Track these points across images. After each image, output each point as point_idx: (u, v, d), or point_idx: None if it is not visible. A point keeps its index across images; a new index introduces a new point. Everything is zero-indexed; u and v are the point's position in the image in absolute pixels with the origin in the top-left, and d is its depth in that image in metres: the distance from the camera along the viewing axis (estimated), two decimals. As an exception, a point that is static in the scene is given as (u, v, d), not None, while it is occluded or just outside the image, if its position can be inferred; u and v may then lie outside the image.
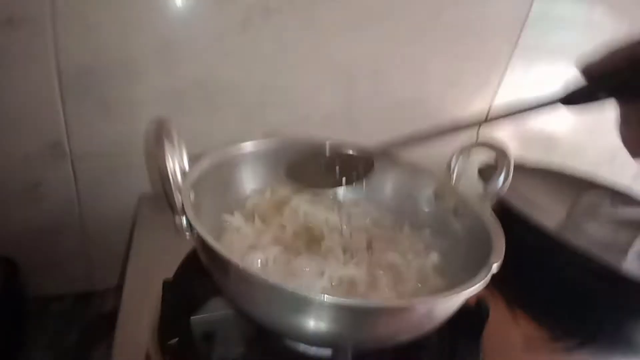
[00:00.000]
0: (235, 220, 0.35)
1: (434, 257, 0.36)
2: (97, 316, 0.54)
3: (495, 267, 0.26)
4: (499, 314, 0.43)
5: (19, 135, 0.44)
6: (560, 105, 0.27)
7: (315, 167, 0.40)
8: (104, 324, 0.54)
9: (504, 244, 0.28)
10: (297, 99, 0.54)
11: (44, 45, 0.40)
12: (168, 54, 0.45)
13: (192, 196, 0.29)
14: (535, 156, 0.81)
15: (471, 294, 0.24)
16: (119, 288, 0.41)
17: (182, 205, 0.26)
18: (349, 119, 0.59)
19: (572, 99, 0.26)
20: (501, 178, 0.34)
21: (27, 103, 0.42)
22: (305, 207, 0.40)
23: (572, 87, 0.26)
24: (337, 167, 0.39)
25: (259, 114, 0.53)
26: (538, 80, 0.69)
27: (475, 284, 0.24)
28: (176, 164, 0.26)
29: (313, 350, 0.29)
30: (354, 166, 0.39)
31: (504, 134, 0.76)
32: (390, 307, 0.23)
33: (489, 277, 0.25)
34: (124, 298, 0.35)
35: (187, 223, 0.26)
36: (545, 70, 0.68)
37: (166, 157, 0.25)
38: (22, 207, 0.48)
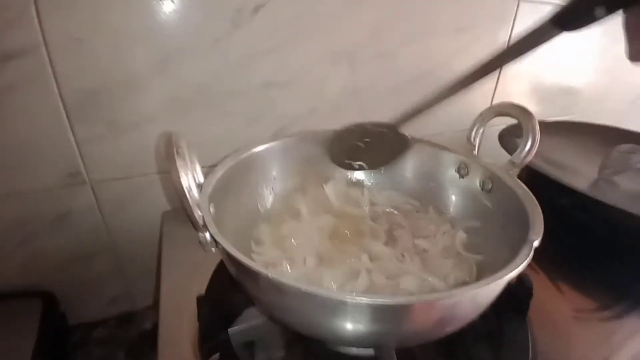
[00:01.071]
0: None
1: (461, 236, 0.35)
2: (139, 335, 0.55)
3: (536, 243, 0.24)
4: (542, 287, 0.41)
5: (37, 169, 0.44)
6: (556, 30, 0.24)
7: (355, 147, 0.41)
8: (148, 342, 0.56)
9: (542, 218, 0.27)
10: (304, 92, 0.53)
11: (44, 75, 0.40)
12: (167, 65, 0.44)
13: (212, 209, 0.28)
14: (554, 113, 0.78)
15: (514, 275, 0.23)
16: (155, 305, 0.41)
17: (204, 220, 0.25)
18: (358, 105, 0.57)
19: (567, 19, 0.23)
20: (528, 143, 0.32)
21: (39, 136, 0.42)
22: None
23: (566, 5, 0.23)
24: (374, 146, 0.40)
25: (266, 112, 0.52)
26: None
27: (519, 264, 0.22)
28: (191, 178, 0.25)
29: (354, 351, 0.29)
30: (389, 144, 0.39)
31: (519, 95, 0.74)
32: (432, 300, 0.22)
33: (531, 254, 0.23)
34: (161, 316, 0.35)
35: (211, 238, 0.26)
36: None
37: (180, 174, 0.24)
38: (52, 239, 0.48)
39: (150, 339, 0.56)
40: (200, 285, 0.37)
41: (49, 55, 0.39)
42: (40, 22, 0.37)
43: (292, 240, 0.35)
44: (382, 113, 0.59)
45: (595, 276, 0.45)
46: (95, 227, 0.50)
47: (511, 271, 0.22)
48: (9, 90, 0.39)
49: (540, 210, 0.28)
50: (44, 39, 0.38)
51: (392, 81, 0.58)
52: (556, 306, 0.39)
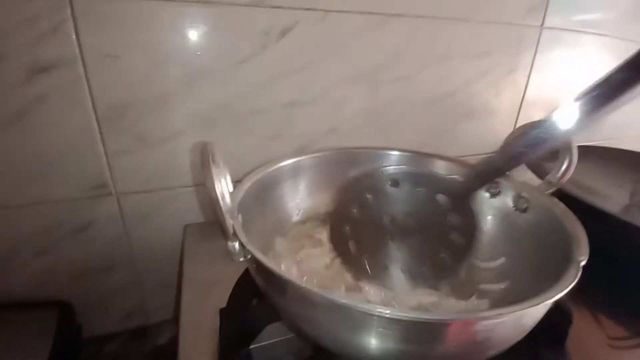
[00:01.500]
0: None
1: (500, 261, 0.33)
2: (153, 350, 0.54)
3: (583, 263, 0.23)
4: (578, 314, 0.39)
5: (64, 180, 0.45)
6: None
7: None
8: (161, 358, 0.54)
9: (586, 236, 0.25)
10: (324, 112, 0.53)
11: (79, 89, 0.41)
12: (195, 83, 0.45)
13: (240, 218, 0.28)
14: (579, 139, 0.77)
15: (561, 295, 0.21)
16: (175, 320, 0.40)
17: (234, 229, 0.25)
18: (377, 125, 0.58)
19: None
20: (565, 162, 0.31)
21: (69, 147, 0.43)
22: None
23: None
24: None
25: (288, 131, 0.52)
26: (568, 59, 0.66)
27: (567, 284, 0.21)
28: (224, 186, 0.25)
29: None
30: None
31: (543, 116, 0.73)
32: (476, 319, 0.21)
33: (579, 274, 0.22)
34: (181, 330, 0.35)
35: (240, 247, 0.25)
36: (574, 47, 0.65)
37: (215, 181, 0.24)
38: (74, 249, 0.49)
39: (163, 355, 0.54)
40: (220, 300, 0.36)
41: (85, 70, 0.40)
42: (78, 37, 0.39)
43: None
44: (401, 134, 0.60)
45: (630, 303, 0.43)
46: (117, 239, 0.50)
47: (561, 291, 0.21)
48: (43, 101, 0.40)
49: (583, 229, 0.26)
50: (81, 54, 0.40)
51: (410, 103, 0.58)
52: (592, 334, 0.37)
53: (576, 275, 0.22)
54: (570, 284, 0.21)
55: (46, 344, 0.42)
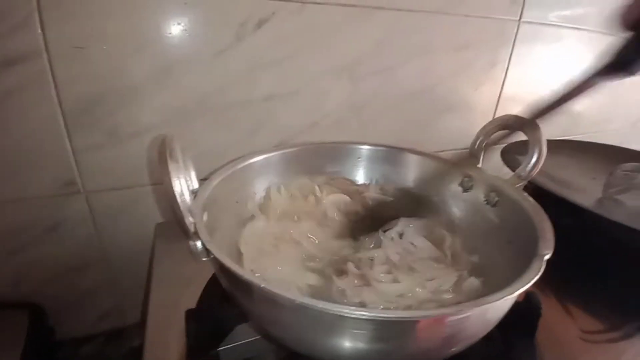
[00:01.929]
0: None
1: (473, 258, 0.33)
2: (128, 352, 0.53)
3: (547, 257, 0.23)
4: (548, 308, 0.39)
5: (31, 177, 0.43)
6: (614, 74, 0.23)
7: None
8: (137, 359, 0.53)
9: (552, 231, 0.26)
10: (305, 105, 0.52)
11: (44, 82, 0.39)
12: (170, 76, 0.44)
13: (205, 216, 0.27)
14: (556, 133, 0.78)
15: (526, 289, 0.21)
16: (143, 323, 0.39)
17: (195, 228, 0.24)
18: (357, 119, 0.57)
19: (626, 59, 0.22)
20: (534, 156, 0.31)
21: (36, 143, 0.42)
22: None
23: (620, 48, 0.23)
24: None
25: (267, 124, 0.51)
26: (547, 54, 0.66)
27: (530, 278, 0.21)
28: (184, 183, 0.24)
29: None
30: None
31: (521, 112, 0.73)
32: (437, 316, 0.21)
33: (542, 268, 0.22)
34: (148, 332, 0.34)
35: (202, 246, 0.24)
36: (553, 44, 0.66)
37: (172, 178, 0.23)
38: (44, 249, 0.47)
39: (140, 356, 0.53)
40: (190, 301, 0.35)
41: (50, 62, 0.39)
42: (43, 29, 0.37)
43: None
44: (381, 128, 0.59)
45: (602, 296, 0.43)
46: (88, 239, 0.49)
47: (523, 285, 0.21)
48: (7, 96, 0.39)
49: (550, 223, 0.26)
50: (46, 46, 0.38)
51: (392, 96, 0.58)
52: (563, 327, 0.38)
53: (539, 269, 0.22)
54: (533, 279, 0.21)
55: (17, 346, 0.41)
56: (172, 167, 0.23)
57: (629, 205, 0.50)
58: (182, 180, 0.24)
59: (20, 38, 0.37)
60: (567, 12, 0.64)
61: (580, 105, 0.80)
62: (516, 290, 0.21)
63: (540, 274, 0.22)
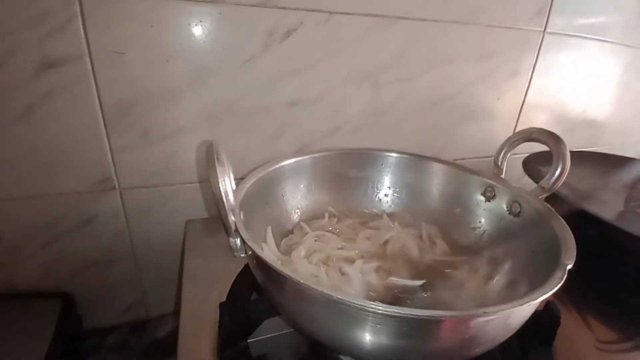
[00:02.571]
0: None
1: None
2: (152, 343, 0.55)
3: (569, 267, 0.24)
4: (566, 317, 0.40)
5: (70, 174, 0.46)
6: None
7: None
8: (160, 351, 0.55)
9: (574, 242, 0.26)
10: (327, 111, 0.54)
11: (86, 84, 0.42)
12: (200, 81, 0.46)
13: (242, 215, 0.29)
14: (579, 144, 0.77)
15: (547, 297, 0.22)
16: (175, 314, 0.41)
17: (236, 226, 0.26)
18: (379, 125, 0.58)
19: None
20: (558, 168, 0.32)
21: (75, 142, 0.44)
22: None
23: None
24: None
25: (291, 130, 0.53)
26: (570, 64, 0.66)
27: (553, 286, 0.22)
28: (227, 184, 0.26)
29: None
30: None
31: (542, 125, 0.73)
32: (461, 316, 0.22)
33: (565, 277, 0.23)
34: (181, 323, 0.35)
35: (241, 243, 0.26)
36: (577, 55, 0.66)
37: (219, 179, 0.25)
38: (77, 242, 0.50)
39: (163, 347, 0.56)
40: (220, 295, 0.37)
41: (92, 66, 0.41)
42: (86, 34, 0.40)
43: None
44: (402, 134, 0.60)
45: (619, 307, 0.43)
46: (119, 233, 0.51)
47: (545, 292, 0.22)
48: (50, 96, 0.41)
49: (571, 234, 0.27)
50: (89, 50, 0.41)
51: (413, 104, 0.59)
52: (580, 336, 0.38)
53: (562, 278, 0.23)
54: (555, 286, 0.22)
55: (47, 333, 0.44)
56: (219, 169, 0.25)
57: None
58: (226, 182, 0.26)
59: (64, 41, 0.39)
60: (592, 21, 0.64)
61: (604, 116, 0.80)
62: (539, 297, 0.22)
63: (562, 282, 0.23)
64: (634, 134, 0.85)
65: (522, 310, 0.23)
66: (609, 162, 0.66)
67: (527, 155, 0.57)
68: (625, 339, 0.39)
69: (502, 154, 0.37)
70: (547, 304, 0.33)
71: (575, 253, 0.25)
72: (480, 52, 0.59)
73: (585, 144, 0.78)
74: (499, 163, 0.37)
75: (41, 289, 0.50)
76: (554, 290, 0.22)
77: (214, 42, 0.45)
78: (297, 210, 0.43)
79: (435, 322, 0.21)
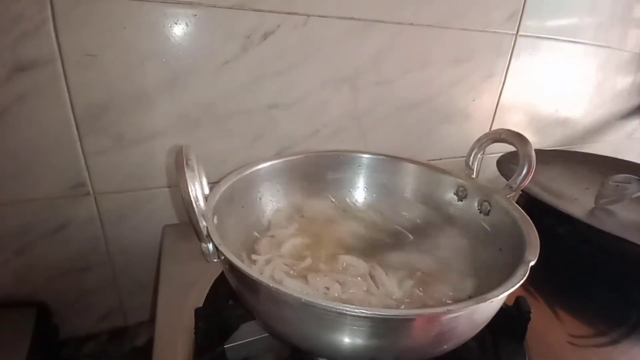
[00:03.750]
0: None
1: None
2: (131, 351, 0.54)
3: (532, 263, 0.25)
4: (539, 313, 0.41)
5: (43, 179, 0.45)
6: None
7: None
8: (139, 359, 0.54)
9: (537, 239, 0.27)
10: (306, 114, 0.54)
11: (57, 88, 0.41)
12: (176, 84, 0.46)
13: (215, 220, 0.29)
14: (552, 144, 0.80)
15: (509, 293, 0.23)
16: (150, 321, 0.41)
17: (208, 231, 0.26)
18: (357, 128, 0.59)
19: None
20: (524, 168, 0.33)
21: (48, 146, 0.43)
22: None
23: None
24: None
25: (269, 132, 0.53)
26: (543, 66, 0.68)
27: (515, 283, 0.23)
28: (198, 189, 0.26)
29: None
30: None
31: (517, 125, 0.76)
32: (429, 314, 0.22)
33: (527, 274, 0.24)
34: (157, 330, 0.35)
35: (214, 248, 0.26)
36: (550, 57, 0.68)
37: (188, 185, 0.25)
38: (51, 249, 0.48)
39: (141, 356, 0.55)
40: (197, 300, 0.37)
41: (63, 69, 0.41)
42: (57, 36, 0.39)
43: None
44: (381, 137, 0.61)
45: (591, 302, 0.45)
46: (94, 239, 0.50)
47: (508, 289, 0.22)
48: (21, 100, 0.40)
49: (536, 232, 0.28)
50: (60, 53, 0.40)
51: (391, 107, 0.59)
52: (553, 332, 0.39)
53: (524, 275, 0.24)
54: (517, 283, 0.23)
55: (23, 344, 0.42)
56: (188, 175, 0.25)
57: (620, 216, 0.52)
58: (197, 187, 0.26)
59: (35, 44, 0.39)
60: (564, 23, 0.66)
61: (576, 116, 0.82)
62: (501, 294, 0.22)
63: (524, 279, 0.24)
64: (606, 132, 0.88)
65: (487, 307, 0.24)
66: (580, 160, 0.68)
67: (501, 154, 0.58)
68: (596, 333, 0.40)
69: (473, 154, 0.38)
70: (517, 300, 0.34)
71: (538, 250, 0.26)
72: (456, 55, 0.60)
73: (558, 143, 0.81)
74: (470, 163, 0.39)
75: (15, 298, 0.49)
76: (516, 286, 0.23)
77: (190, 44, 0.44)
78: (275, 213, 0.43)
79: (401, 321, 0.22)
